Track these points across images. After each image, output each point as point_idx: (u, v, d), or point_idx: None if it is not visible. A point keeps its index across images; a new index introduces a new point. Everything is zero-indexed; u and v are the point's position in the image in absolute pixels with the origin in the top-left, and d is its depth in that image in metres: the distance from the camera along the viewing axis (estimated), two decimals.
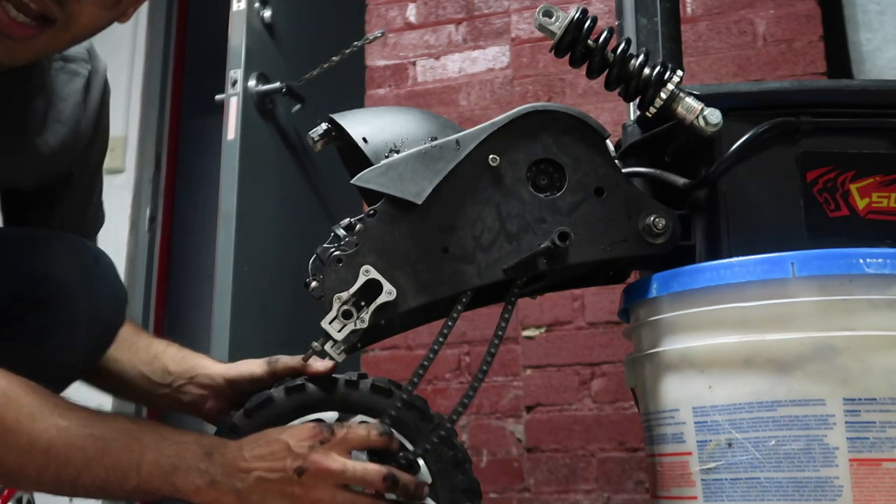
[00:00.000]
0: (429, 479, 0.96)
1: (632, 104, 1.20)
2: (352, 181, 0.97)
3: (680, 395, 0.95)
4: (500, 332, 0.96)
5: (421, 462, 0.95)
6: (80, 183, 1.13)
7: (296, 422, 0.95)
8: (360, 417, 0.95)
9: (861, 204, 0.98)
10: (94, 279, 1.01)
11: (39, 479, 0.81)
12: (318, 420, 0.93)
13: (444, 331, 0.96)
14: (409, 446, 0.95)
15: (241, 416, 0.96)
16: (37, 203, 1.09)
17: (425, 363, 0.95)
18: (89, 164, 1.14)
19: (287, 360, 1.03)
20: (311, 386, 0.97)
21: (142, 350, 1.11)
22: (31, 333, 0.96)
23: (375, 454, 0.92)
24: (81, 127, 1.07)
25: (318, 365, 0.99)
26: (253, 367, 1.06)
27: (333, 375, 0.98)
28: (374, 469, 0.88)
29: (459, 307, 0.95)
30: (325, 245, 1.00)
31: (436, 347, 0.95)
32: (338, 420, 0.95)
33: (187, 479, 0.84)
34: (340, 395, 0.97)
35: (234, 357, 2.03)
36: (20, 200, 1.10)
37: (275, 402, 0.96)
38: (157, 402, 1.12)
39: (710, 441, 0.91)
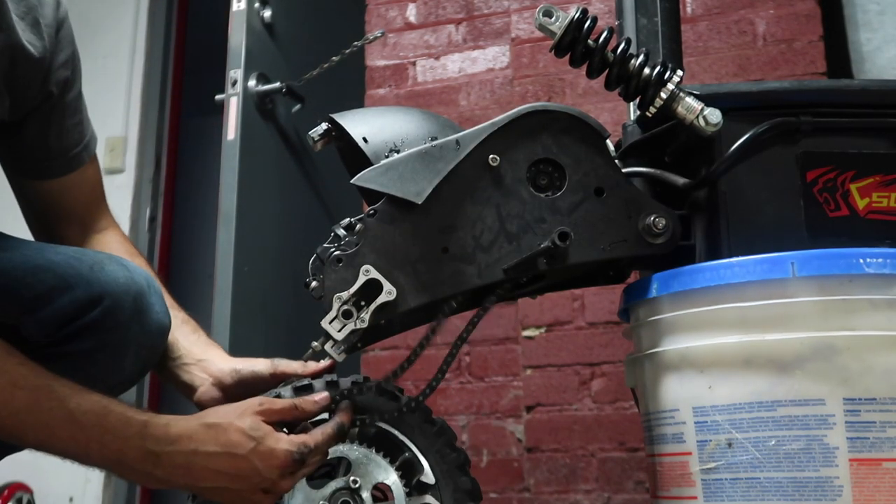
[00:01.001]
0: (432, 480, 0.96)
1: (632, 104, 1.20)
2: (352, 181, 0.97)
3: (680, 395, 0.95)
4: (464, 335, 0.98)
5: (425, 463, 0.97)
6: (70, 95, 1.08)
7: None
8: (326, 426, 0.93)
9: (861, 204, 0.98)
10: (144, 306, 1.00)
11: (7, 440, 0.84)
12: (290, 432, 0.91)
13: (431, 332, 0.96)
14: (412, 447, 0.97)
15: None
16: (30, 121, 1.05)
17: (444, 367, 0.97)
18: (76, 75, 1.10)
19: (286, 365, 1.03)
20: (317, 384, 0.96)
21: None
22: (82, 355, 0.96)
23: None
24: (62, 34, 1.04)
25: (317, 365, 1.00)
26: (259, 365, 1.05)
27: (337, 378, 0.98)
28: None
29: (447, 310, 0.96)
30: (325, 245, 1.00)
31: (454, 351, 0.97)
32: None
33: (133, 475, 0.85)
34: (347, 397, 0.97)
35: (233, 355, 2.04)
36: (12, 121, 1.04)
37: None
38: (158, 370, 1.10)
39: (710, 441, 0.91)
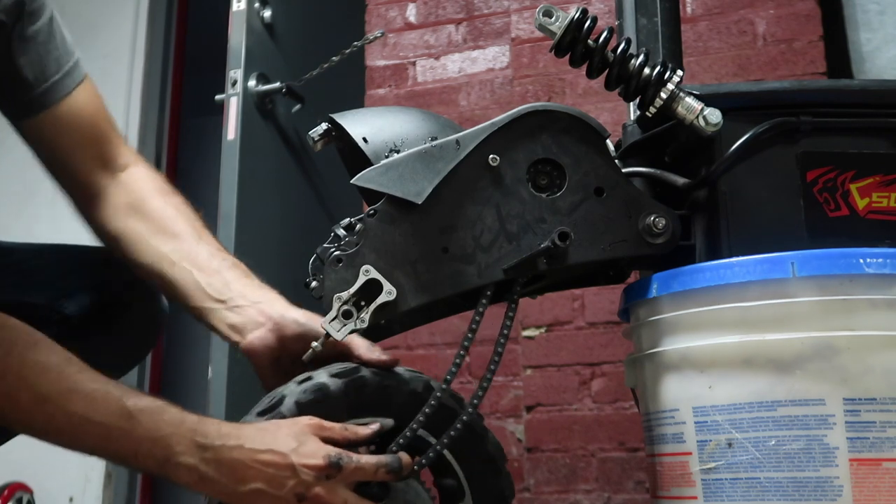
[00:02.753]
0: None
1: (632, 104, 1.20)
2: (352, 181, 0.97)
3: (680, 395, 0.95)
4: (505, 332, 0.96)
5: (468, 491, 0.96)
6: (32, 27, 1.05)
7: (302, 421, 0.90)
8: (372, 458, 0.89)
9: (861, 204, 0.98)
10: (152, 288, 1.13)
11: (63, 447, 0.86)
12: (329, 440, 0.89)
13: (473, 326, 0.94)
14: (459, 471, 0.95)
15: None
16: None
17: (457, 361, 0.94)
18: (39, 4, 1.07)
19: (351, 338, 0.96)
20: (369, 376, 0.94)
21: (202, 259, 1.06)
22: (116, 326, 1.10)
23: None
24: None
25: (374, 356, 0.97)
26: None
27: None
28: None
29: (485, 301, 0.94)
30: (325, 245, 1.00)
31: (465, 344, 0.94)
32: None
33: (177, 473, 0.84)
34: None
35: (234, 357, 2.04)
36: None
37: (330, 392, 0.92)
38: (196, 315, 1.05)
39: (710, 441, 0.91)
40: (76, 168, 1.10)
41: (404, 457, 0.89)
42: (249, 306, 1.02)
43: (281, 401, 0.92)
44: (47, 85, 1.06)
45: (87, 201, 1.11)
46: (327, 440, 0.87)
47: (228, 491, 0.85)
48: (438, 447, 0.92)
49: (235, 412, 1.60)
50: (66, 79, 1.08)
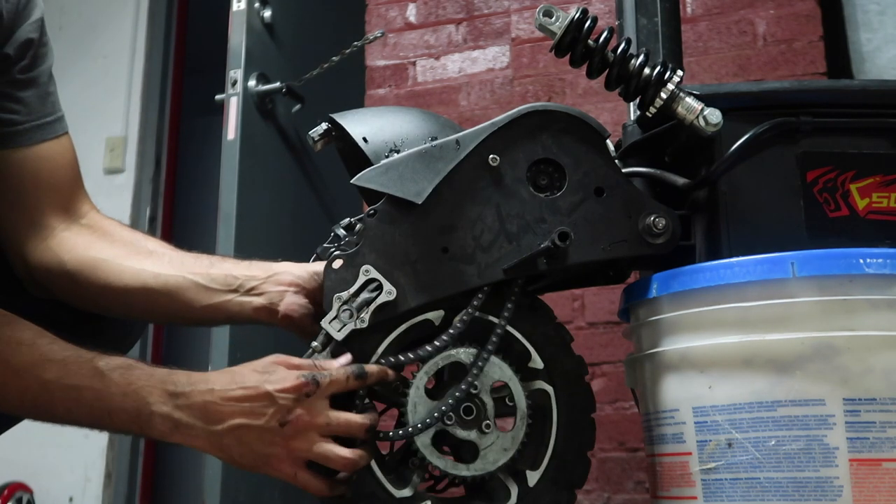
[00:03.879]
0: (541, 365, 0.99)
1: (632, 104, 1.20)
2: (352, 181, 0.97)
3: (680, 395, 0.95)
4: (499, 331, 0.96)
5: (532, 349, 0.98)
6: (38, 69, 1.05)
7: (271, 359, 0.91)
8: (340, 360, 0.92)
9: (861, 204, 0.98)
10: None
11: (37, 420, 0.87)
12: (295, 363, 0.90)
13: (465, 317, 0.95)
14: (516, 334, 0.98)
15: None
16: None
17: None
18: (45, 51, 1.06)
19: None
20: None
21: (189, 263, 1.06)
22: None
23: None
24: (29, 8, 1.01)
25: None
26: None
27: None
28: (356, 422, 0.88)
29: (476, 303, 0.95)
30: (325, 245, 1.00)
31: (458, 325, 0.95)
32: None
33: (151, 424, 0.85)
34: None
35: (234, 357, 2.04)
36: None
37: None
38: (209, 314, 1.05)
39: (710, 441, 0.91)
40: (32, 206, 1.06)
41: (370, 367, 0.91)
42: (263, 283, 1.03)
43: None
44: (35, 124, 1.05)
45: (31, 238, 1.06)
46: (293, 367, 0.88)
47: (206, 433, 0.85)
48: (502, 322, 0.95)
49: None
50: (57, 124, 1.07)
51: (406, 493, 0.93)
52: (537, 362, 0.99)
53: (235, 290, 1.03)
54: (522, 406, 0.96)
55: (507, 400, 0.97)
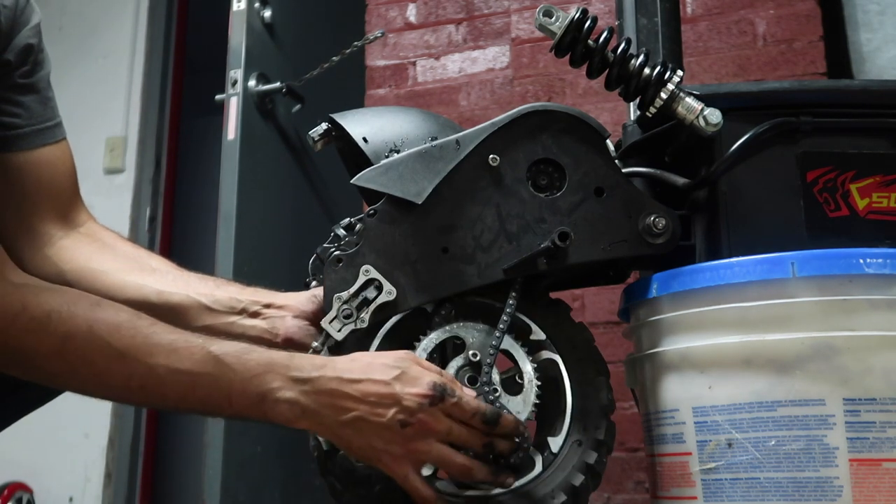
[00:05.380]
0: (543, 336, 0.99)
1: (632, 104, 1.20)
2: (352, 181, 0.97)
3: (680, 395, 0.95)
4: (501, 326, 0.96)
5: (531, 322, 0.98)
6: (38, 74, 1.05)
7: (456, 363, 0.93)
8: (470, 392, 0.91)
9: (861, 204, 0.98)
10: None
11: (145, 406, 0.85)
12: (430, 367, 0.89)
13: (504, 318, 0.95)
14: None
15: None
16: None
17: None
18: (44, 58, 1.06)
19: None
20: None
21: (193, 283, 1.07)
22: None
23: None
24: (25, 16, 1.01)
25: None
26: None
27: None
28: (476, 437, 0.87)
29: (512, 301, 0.96)
30: (325, 245, 1.00)
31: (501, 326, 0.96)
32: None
33: (276, 410, 0.82)
34: None
35: None
36: None
37: None
38: (211, 335, 1.03)
39: (710, 441, 0.91)
40: (31, 211, 1.06)
41: (506, 416, 0.88)
42: (266, 307, 1.05)
43: None
44: (37, 128, 1.05)
45: (28, 245, 1.06)
46: (426, 371, 0.87)
47: (329, 422, 0.83)
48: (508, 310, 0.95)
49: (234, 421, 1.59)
50: (57, 129, 1.07)
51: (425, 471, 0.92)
52: (539, 334, 0.99)
53: (239, 313, 1.05)
54: (528, 370, 0.95)
55: (516, 378, 0.96)
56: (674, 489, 0.95)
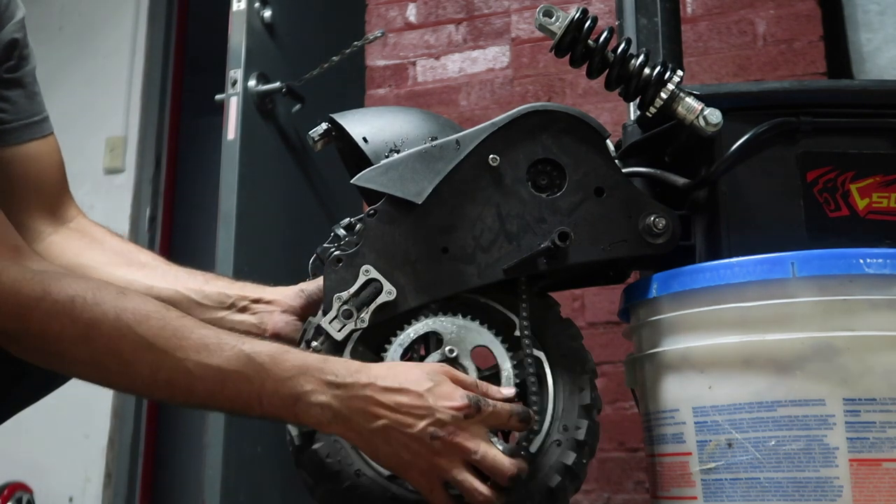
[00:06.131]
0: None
1: (632, 104, 1.20)
2: (352, 181, 0.97)
3: (680, 395, 0.95)
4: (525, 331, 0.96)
5: (514, 318, 0.97)
6: (24, 69, 1.04)
7: (433, 359, 0.92)
8: (506, 392, 0.91)
9: (861, 204, 0.98)
10: None
11: (169, 402, 0.83)
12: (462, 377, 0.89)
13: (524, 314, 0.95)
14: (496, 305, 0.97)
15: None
16: None
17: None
18: (27, 52, 1.05)
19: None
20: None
21: (182, 278, 1.06)
22: None
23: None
24: (10, 11, 1.00)
25: None
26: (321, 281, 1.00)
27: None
28: (505, 464, 0.85)
29: (524, 314, 0.95)
30: (325, 245, 1.00)
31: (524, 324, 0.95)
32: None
33: (309, 413, 0.81)
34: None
35: None
36: None
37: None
38: None
39: (710, 441, 0.91)
40: (19, 207, 1.04)
41: (532, 414, 0.89)
42: (254, 302, 1.05)
43: None
44: (24, 122, 1.04)
45: None
46: (459, 384, 0.86)
47: (359, 428, 0.82)
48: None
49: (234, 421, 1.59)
50: (44, 123, 1.06)
51: None
52: (522, 330, 0.96)
53: (228, 308, 1.04)
54: (507, 367, 0.94)
55: (498, 376, 0.95)
56: (674, 489, 0.95)
